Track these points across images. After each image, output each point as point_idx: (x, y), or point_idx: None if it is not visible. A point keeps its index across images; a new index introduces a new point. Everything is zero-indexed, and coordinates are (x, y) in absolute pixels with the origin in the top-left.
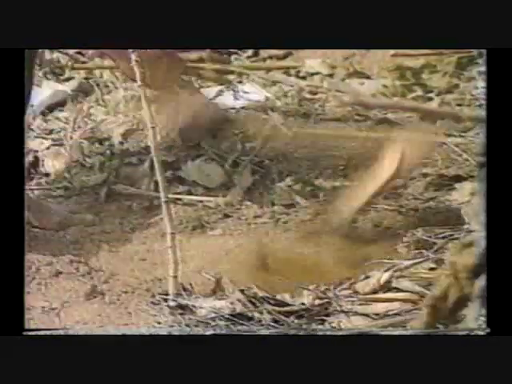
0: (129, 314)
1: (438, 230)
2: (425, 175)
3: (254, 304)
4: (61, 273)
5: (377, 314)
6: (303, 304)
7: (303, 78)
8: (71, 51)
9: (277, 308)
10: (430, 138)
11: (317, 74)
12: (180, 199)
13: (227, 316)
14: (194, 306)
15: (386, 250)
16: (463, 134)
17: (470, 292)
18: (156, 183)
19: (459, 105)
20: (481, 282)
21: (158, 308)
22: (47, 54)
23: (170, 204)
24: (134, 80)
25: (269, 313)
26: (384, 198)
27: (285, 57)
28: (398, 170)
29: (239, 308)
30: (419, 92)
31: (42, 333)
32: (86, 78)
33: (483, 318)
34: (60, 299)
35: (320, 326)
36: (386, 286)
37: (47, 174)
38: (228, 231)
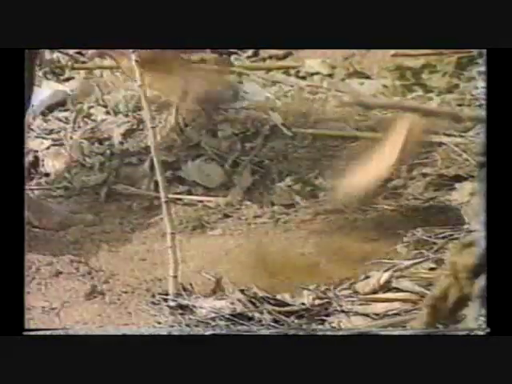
0: (129, 314)
1: (438, 229)
2: (425, 175)
3: (254, 304)
4: (61, 273)
5: (377, 314)
6: (303, 304)
7: (303, 77)
8: (71, 51)
9: (277, 308)
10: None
11: (317, 74)
12: (180, 199)
13: (227, 316)
14: (194, 306)
15: (386, 250)
16: (463, 134)
17: (470, 292)
18: (156, 183)
19: (459, 105)
20: (481, 282)
21: (158, 308)
22: (47, 54)
23: (170, 204)
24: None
25: (269, 313)
26: (384, 198)
27: (285, 57)
28: (405, 144)
29: (239, 308)
30: (419, 92)
31: (41, 333)
32: (86, 78)
33: (483, 318)
34: (60, 299)
35: (320, 326)
36: (386, 286)
37: (47, 174)
38: (228, 231)
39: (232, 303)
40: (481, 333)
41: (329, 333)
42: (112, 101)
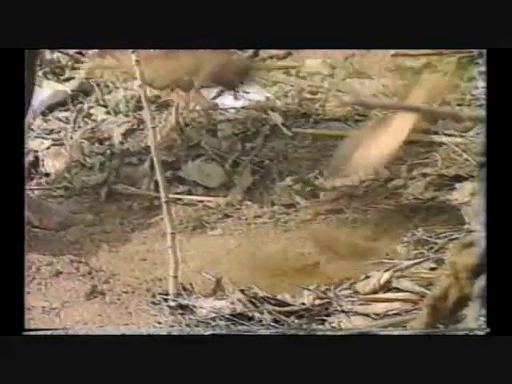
0: (129, 314)
1: (438, 229)
2: (425, 175)
3: (254, 304)
4: (61, 273)
5: (377, 314)
6: (303, 304)
7: (303, 77)
8: (71, 51)
9: (277, 308)
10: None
11: (317, 74)
12: (180, 199)
13: (227, 316)
14: (194, 306)
15: (386, 250)
16: (463, 134)
17: (470, 292)
18: (156, 183)
19: (459, 105)
20: (481, 282)
21: (158, 308)
22: (47, 54)
23: (170, 204)
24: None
25: (269, 313)
26: (384, 198)
27: (285, 57)
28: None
29: (239, 308)
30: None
31: (41, 333)
32: (87, 78)
33: (483, 318)
34: (60, 299)
35: (320, 326)
36: (386, 286)
37: (47, 174)
38: (228, 231)
39: (232, 303)
40: (481, 333)
41: (329, 333)
42: (112, 101)
